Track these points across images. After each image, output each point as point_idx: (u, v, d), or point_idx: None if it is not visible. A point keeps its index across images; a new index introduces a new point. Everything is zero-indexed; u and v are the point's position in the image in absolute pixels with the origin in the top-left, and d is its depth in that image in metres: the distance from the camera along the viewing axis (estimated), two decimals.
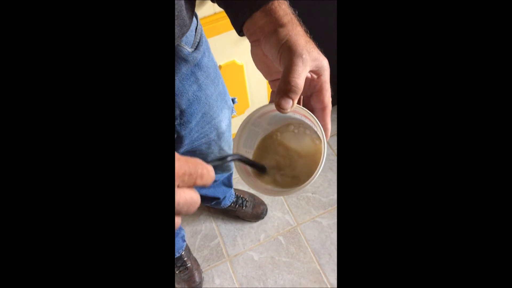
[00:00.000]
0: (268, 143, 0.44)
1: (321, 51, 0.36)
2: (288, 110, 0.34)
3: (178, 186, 0.26)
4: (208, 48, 0.61)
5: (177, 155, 0.26)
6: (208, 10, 0.96)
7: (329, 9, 1.10)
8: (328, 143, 1.49)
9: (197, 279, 1.19)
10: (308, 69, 0.34)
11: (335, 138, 1.51)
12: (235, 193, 1.29)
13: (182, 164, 0.26)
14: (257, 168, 0.40)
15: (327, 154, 1.46)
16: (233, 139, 0.41)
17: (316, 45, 0.36)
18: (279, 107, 0.34)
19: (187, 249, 1.22)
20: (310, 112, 0.36)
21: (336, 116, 1.54)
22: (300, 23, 0.36)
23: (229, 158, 0.35)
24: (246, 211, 1.30)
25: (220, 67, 1.12)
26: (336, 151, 1.47)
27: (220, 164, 0.34)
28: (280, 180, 0.42)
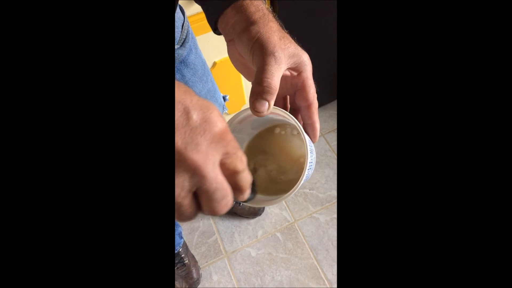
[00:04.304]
0: (254, 149, 0.41)
1: (300, 46, 0.34)
2: (264, 113, 0.32)
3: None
4: (195, 45, 0.61)
5: None
6: None
7: (329, 8, 1.09)
8: (325, 139, 1.49)
9: (194, 275, 1.20)
10: (284, 67, 0.32)
11: (332, 134, 1.50)
12: None
13: None
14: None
15: (324, 150, 1.46)
16: None
17: (294, 40, 0.34)
18: (254, 111, 0.31)
19: (185, 246, 1.22)
20: (289, 114, 0.34)
21: (334, 111, 1.53)
22: (275, 18, 0.34)
23: None
24: (243, 208, 1.30)
25: (215, 63, 1.12)
26: (333, 147, 1.46)
27: None
28: (271, 187, 0.39)
